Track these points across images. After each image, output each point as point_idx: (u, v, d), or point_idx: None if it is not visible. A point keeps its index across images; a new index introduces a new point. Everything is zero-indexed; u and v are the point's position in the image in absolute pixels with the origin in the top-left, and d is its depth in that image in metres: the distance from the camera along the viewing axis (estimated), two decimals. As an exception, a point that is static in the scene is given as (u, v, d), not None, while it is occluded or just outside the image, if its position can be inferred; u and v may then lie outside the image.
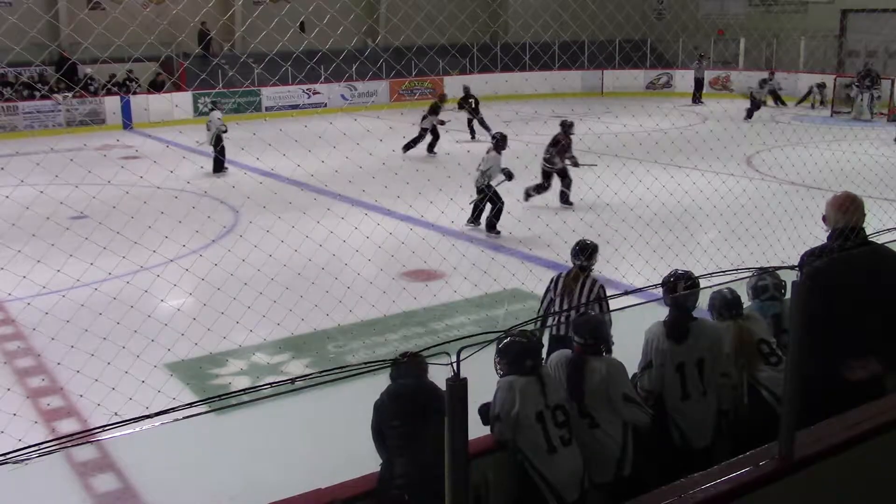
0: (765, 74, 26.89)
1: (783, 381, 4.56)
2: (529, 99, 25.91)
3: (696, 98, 28.04)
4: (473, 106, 21.37)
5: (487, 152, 12.44)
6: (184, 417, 2.68)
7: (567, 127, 13.96)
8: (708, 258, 5.85)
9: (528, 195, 13.63)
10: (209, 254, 8.04)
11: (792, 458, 3.33)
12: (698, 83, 28.37)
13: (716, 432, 4.82)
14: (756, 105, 24.08)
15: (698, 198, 8.95)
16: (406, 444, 4.16)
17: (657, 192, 9.10)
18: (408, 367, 4.26)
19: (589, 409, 4.47)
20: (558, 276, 6.64)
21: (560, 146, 13.67)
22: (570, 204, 13.64)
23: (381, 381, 4.30)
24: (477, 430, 4.31)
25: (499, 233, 12.09)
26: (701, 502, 3.14)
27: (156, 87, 24.95)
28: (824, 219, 4.58)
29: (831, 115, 24.74)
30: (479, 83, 27.48)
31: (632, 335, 5.03)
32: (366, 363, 2.91)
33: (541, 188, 13.68)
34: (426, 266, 9.29)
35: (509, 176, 12.22)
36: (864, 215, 4.50)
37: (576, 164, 13.78)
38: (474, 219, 12.40)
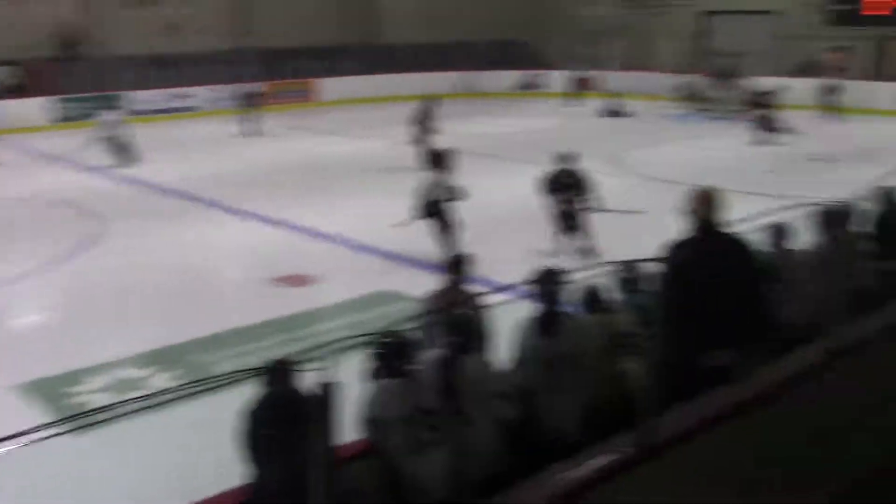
0: (643, 74, 27.92)
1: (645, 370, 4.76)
2: (402, 101, 25.99)
3: (571, 98, 28.68)
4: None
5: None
6: (39, 439, 2.55)
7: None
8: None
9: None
10: (70, 266, 7.69)
11: (652, 443, 3.46)
12: (572, 84, 29.02)
13: (584, 424, 4.94)
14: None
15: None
16: (279, 453, 4.09)
17: (529, 190, 9.26)
18: (278, 375, 4.19)
19: (461, 407, 4.50)
20: (434, 298, 6.33)
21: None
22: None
23: (251, 391, 4.22)
24: (350, 434, 4.30)
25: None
26: (568, 492, 3.22)
27: (13, 91, 23.71)
28: (687, 212, 4.76)
29: (696, 113, 25.80)
30: (354, 85, 27.43)
31: (503, 331, 5.10)
32: (234, 372, 2.85)
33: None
34: (296, 271, 9.18)
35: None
36: (722, 208, 4.70)
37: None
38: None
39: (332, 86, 28.01)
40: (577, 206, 9.83)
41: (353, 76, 27.48)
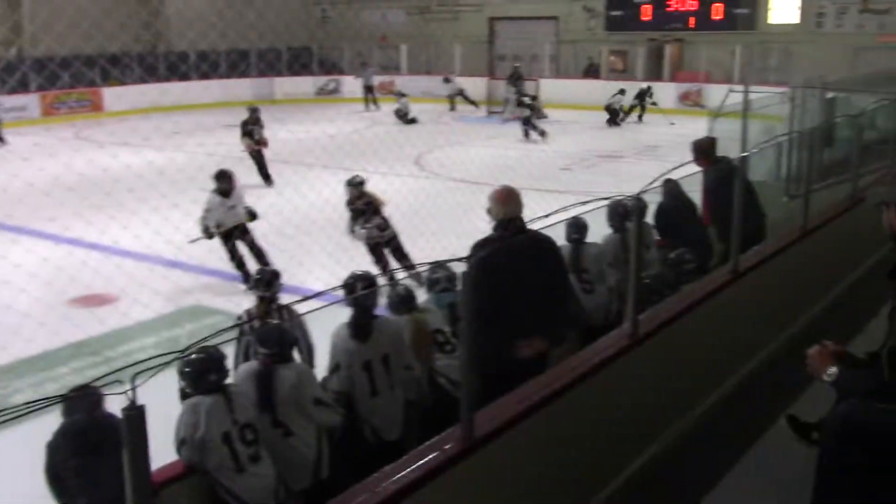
0: (438, 79, 28.34)
1: (459, 366, 4.86)
2: (194, 109, 25.16)
3: (368, 103, 28.81)
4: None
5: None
6: None
7: None
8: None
9: None
10: None
11: (473, 437, 3.52)
12: (368, 89, 29.16)
13: (405, 423, 4.99)
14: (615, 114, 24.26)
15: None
16: (86, 483, 3.87)
17: (329, 196, 9.22)
18: (80, 402, 3.95)
19: (282, 417, 4.43)
20: (248, 316, 6.02)
21: None
22: None
23: (53, 421, 3.95)
24: (167, 456, 4.12)
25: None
26: (394, 494, 3.22)
27: None
28: (488, 211, 4.89)
29: (487, 115, 26.66)
30: (142, 94, 26.23)
31: (318, 339, 5.06)
32: (31, 402, 2.64)
33: None
34: (95, 291, 8.67)
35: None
36: (522, 206, 4.86)
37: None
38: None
39: (118, 95, 26.71)
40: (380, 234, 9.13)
41: (140, 85, 26.32)
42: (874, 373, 2.93)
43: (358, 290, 4.99)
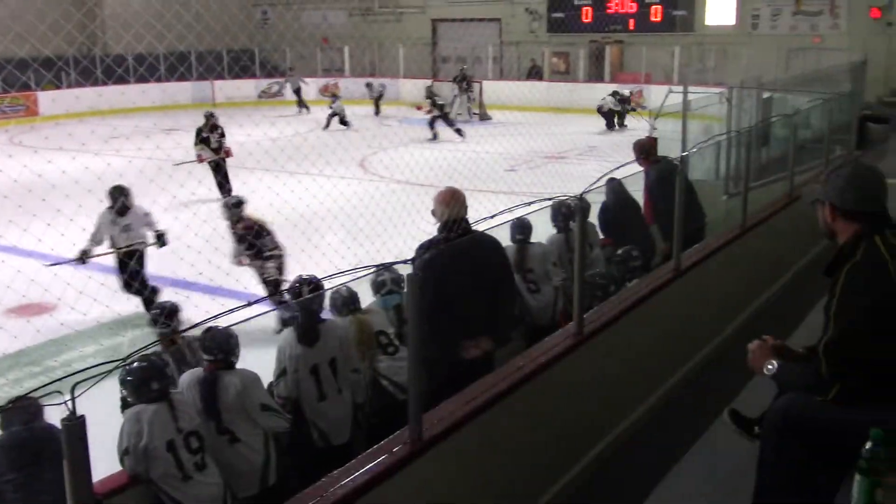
0: (382, 81, 28.28)
1: (406, 368, 4.85)
2: (132, 113, 24.71)
3: (310, 105, 28.65)
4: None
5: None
6: None
7: None
8: (328, 261, 5.99)
9: None
10: None
11: (421, 439, 3.52)
12: (297, 93, 28.97)
13: (354, 427, 4.96)
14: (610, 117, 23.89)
15: (313, 203, 9.13)
16: (26, 498, 3.77)
17: (272, 200, 9.11)
18: (18, 413, 3.86)
19: (227, 424, 4.37)
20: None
21: None
22: None
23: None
24: (110, 466, 4.04)
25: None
26: (342, 498, 3.20)
27: None
28: (433, 213, 4.89)
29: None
30: (78, 98, 25.66)
31: (263, 344, 5.00)
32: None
33: None
34: (32, 300, 8.45)
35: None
36: (466, 207, 4.87)
37: None
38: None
39: (53, 99, 26.14)
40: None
41: (76, 88, 25.76)
42: (812, 367, 2.99)
43: (302, 294, 4.96)
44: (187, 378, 4.49)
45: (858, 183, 3.08)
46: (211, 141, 14.95)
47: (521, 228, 6.41)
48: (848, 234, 3.05)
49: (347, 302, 5.25)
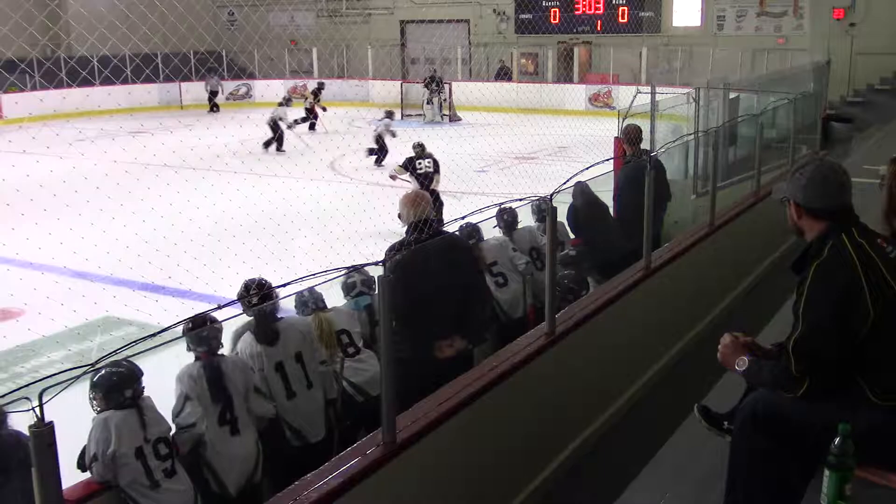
0: (351, 82, 28.11)
1: (365, 370, 4.85)
2: (97, 116, 24.42)
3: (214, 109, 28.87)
4: None
5: None
6: None
7: None
8: (298, 263, 5.96)
9: None
10: None
11: (395, 441, 3.51)
12: (213, 95, 29.27)
13: (328, 423, 4.93)
14: None
15: (282, 205, 9.09)
16: (-8, 507, 3.70)
17: (241, 202, 9.07)
18: (-16, 420, 3.79)
19: (237, 410, 4.36)
20: None
21: None
22: None
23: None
24: (78, 474, 3.99)
25: None
26: (316, 501, 3.19)
27: None
28: (399, 216, 4.88)
29: (402, 119, 26.61)
30: (41, 101, 25.29)
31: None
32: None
33: None
34: (-1, 305, 8.35)
35: None
36: (432, 208, 4.87)
37: None
38: None
39: (15, 102, 25.79)
40: None
41: (40, 91, 25.41)
42: (782, 363, 3.02)
43: (259, 295, 4.89)
44: (187, 372, 4.41)
45: (821, 181, 3.10)
46: None
47: (472, 231, 6.36)
48: (815, 232, 3.09)
49: (309, 301, 5.20)
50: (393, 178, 12.57)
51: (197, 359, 4.47)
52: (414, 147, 12.56)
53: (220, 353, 4.55)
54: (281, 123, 20.69)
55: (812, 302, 2.94)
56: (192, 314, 4.34)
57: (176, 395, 4.34)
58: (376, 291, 5.23)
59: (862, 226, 3.08)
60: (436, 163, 12.38)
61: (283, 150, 19.92)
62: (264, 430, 4.62)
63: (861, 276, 2.89)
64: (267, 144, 20.02)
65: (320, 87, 25.68)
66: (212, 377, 4.37)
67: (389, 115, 19.79)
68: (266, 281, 4.98)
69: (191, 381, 4.36)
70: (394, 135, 18.36)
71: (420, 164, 12.31)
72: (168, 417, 4.27)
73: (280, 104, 21.96)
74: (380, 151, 18.27)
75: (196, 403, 4.29)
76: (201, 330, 4.40)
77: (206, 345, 4.45)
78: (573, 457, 4.98)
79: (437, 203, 10.83)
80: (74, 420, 4.09)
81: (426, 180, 11.87)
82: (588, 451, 5.07)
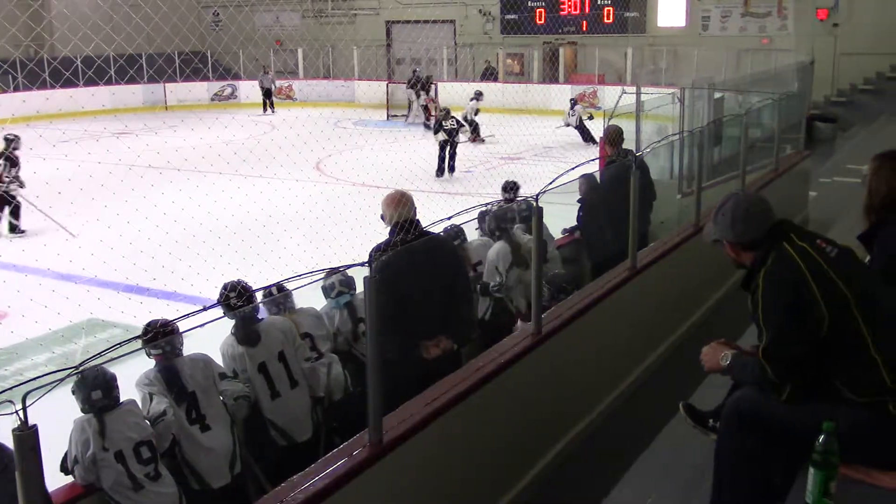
0: (337, 83, 28.08)
1: (324, 374, 4.84)
2: (81, 117, 24.28)
3: (267, 107, 28.50)
4: None
5: None
6: None
7: (10, 142, 12.99)
8: (283, 264, 5.94)
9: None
10: None
11: (382, 442, 3.50)
12: (267, 93, 28.80)
13: (315, 421, 4.91)
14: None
15: (267, 206, 9.05)
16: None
17: (226, 203, 9.02)
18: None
19: (202, 407, 4.35)
20: None
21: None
22: (20, 232, 12.85)
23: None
24: (62, 478, 3.97)
25: None
26: (302, 503, 3.18)
27: None
28: (382, 217, 4.87)
29: (388, 119, 26.58)
30: (25, 102, 25.12)
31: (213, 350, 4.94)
32: None
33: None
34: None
35: None
36: (415, 208, 4.85)
37: (22, 186, 12.96)
38: None
39: (-1, 103, 25.62)
40: None
41: (23, 92, 25.26)
42: (761, 365, 3.04)
43: (238, 297, 4.87)
44: (144, 378, 4.41)
45: (743, 217, 3.21)
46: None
47: (457, 232, 6.35)
48: (756, 257, 3.16)
49: (277, 302, 5.19)
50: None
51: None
52: (439, 111, 17.93)
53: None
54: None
55: (768, 307, 3.00)
56: (176, 316, 4.33)
57: (140, 399, 4.33)
58: (357, 290, 5.25)
59: (799, 230, 3.15)
60: (458, 121, 17.70)
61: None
62: (249, 426, 4.61)
63: (809, 278, 2.94)
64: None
65: (429, 80, 25.83)
66: (169, 378, 4.37)
67: (478, 95, 22.43)
68: (246, 283, 4.97)
69: (149, 383, 4.36)
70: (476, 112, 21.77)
71: (445, 123, 17.17)
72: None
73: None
74: (471, 126, 20.93)
75: (161, 397, 4.29)
76: (154, 336, 4.39)
77: (159, 348, 4.44)
78: (560, 457, 4.98)
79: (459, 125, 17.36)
80: (63, 422, 4.08)
81: (453, 134, 17.14)
82: (575, 451, 5.07)
